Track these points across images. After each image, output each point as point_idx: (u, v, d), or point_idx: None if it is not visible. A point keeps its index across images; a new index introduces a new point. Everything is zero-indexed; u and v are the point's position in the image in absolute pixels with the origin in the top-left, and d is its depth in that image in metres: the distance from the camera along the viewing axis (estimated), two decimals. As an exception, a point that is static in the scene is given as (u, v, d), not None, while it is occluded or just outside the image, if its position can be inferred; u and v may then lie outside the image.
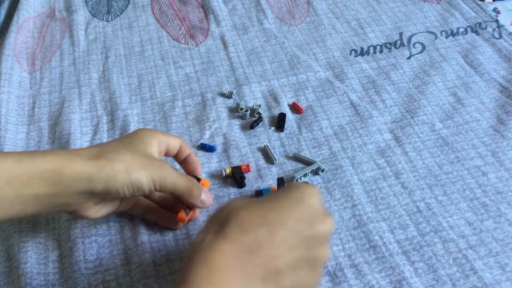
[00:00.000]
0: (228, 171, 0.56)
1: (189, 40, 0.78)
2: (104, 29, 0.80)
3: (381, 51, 0.75)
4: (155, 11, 0.84)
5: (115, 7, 0.85)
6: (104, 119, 0.65)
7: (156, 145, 0.47)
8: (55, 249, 0.51)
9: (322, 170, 0.57)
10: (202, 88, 0.69)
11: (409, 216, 0.53)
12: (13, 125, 0.64)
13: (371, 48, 0.75)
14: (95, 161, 0.41)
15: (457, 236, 0.51)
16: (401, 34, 0.78)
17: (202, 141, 0.61)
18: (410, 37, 0.77)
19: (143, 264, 0.49)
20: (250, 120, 0.64)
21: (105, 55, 0.75)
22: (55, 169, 0.40)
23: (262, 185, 0.56)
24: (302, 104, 0.66)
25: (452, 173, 0.57)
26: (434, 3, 0.84)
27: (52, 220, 0.54)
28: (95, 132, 0.63)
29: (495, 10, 0.84)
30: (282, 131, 0.63)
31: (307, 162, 0.58)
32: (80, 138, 0.62)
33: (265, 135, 0.62)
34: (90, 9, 0.85)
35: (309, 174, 0.57)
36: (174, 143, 0.50)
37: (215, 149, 0.60)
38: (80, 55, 0.75)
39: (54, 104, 0.67)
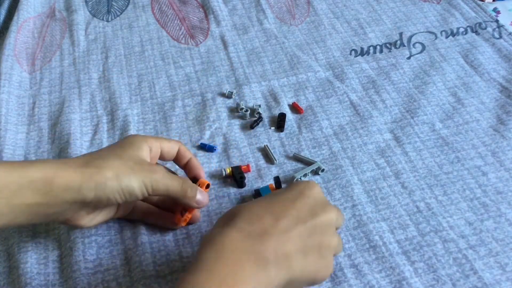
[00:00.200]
0: (228, 171, 0.56)
1: (189, 40, 0.78)
2: (104, 29, 0.80)
3: (381, 51, 0.75)
4: (155, 11, 0.84)
5: (115, 7, 0.85)
6: (104, 119, 0.65)
7: (146, 150, 0.46)
8: (55, 249, 0.51)
9: (322, 170, 0.57)
10: (202, 88, 0.69)
11: (409, 216, 0.53)
12: (13, 125, 0.64)
13: (371, 48, 0.75)
14: (84, 169, 0.41)
15: (457, 236, 0.51)
16: (401, 34, 0.78)
17: (202, 141, 0.61)
18: (410, 37, 0.77)
19: (143, 264, 0.49)
20: (250, 120, 0.64)
21: (105, 55, 0.75)
22: (45, 178, 0.39)
23: (262, 185, 0.56)
24: (302, 104, 0.66)
25: (452, 173, 0.57)
26: (434, 3, 0.84)
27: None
28: (95, 132, 0.63)
29: (495, 10, 0.84)
30: (282, 131, 0.63)
31: (307, 162, 0.58)
32: (80, 138, 0.62)
33: (265, 135, 0.62)
34: (90, 9, 0.85)
35: (309, 174, 0.57)
36: (168, 147, 0.49)
37: (215, 149, 0.60)
38: (80, 55, 0.75)
39: (54, 104, 0.67)
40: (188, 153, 0.51)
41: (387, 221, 0.53)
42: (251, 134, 0.62)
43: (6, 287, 0.48)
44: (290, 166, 0.58)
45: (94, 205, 0.43)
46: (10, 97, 0.67)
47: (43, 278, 0.48)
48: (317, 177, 0.57)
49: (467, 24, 0.79)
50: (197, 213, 0.51)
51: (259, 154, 0.60)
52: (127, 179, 0.42)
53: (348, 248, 0.50)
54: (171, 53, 0.75)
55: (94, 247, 0.50)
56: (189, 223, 0.51)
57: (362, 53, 0.75)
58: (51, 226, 0.53)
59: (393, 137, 0.62)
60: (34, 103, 0.68)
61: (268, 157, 0.59)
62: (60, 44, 0.78)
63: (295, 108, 0.66)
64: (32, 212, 0.40)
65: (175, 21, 0.82)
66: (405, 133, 0.62)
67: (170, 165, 0.56)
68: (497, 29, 0.77)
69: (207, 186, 0.51)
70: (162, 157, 0.50)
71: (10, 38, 0.75)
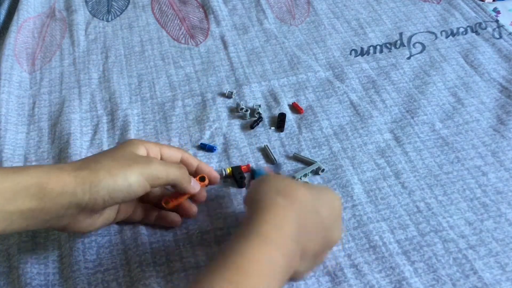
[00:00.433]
0: (228, 171, 0.56)
1: (189, 40, 0.78)
2: (104, 29, 0.80)
3: (381, 51, 0.75)
4: (155, 11, 0.84)
5: (115, 7, 0.85)
6: (104, 119, 0.65)
7: (143, 150, 0.46)
8: (55, 249, 0.51)
9: (322, 170, 0.57)
10: (202, 88, 0.69)
11: (409, 216, 0.53)
12: (13, 125, 0.64)
13: (371, 48, 0.75)
14: (78, 172, 0.40)
15: (457, 236, 0.51)
16: (401, 34, 0.78)
17: (202, 141, 0.61)
18: (410, 37, 0.77)
19: (143, 264, 0.49)
20: (250, 120, 0.64)
21: (105, 55, 0.75)
22: (39, 184, 0.39)
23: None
24: (302, 104, 0.66)
25: (452, 173, 0.57)
26: (434, 3, 0.84)
27: (52, 220, 0.54)
28: (95, 132, 0.63)
29: (495, 10, 0.84)
30: (282, 131, 0.63)
31: (307, 162, 0.58)
32: (80, 138, 0.62)
33: (265, 135, 0.62)
34: (90, 9, 0.85)
35: (309, 174, 0.57)
36: (169, 153, 0.49)
37: (215, 149, 0.60)
38: (80, 55, 0.75)
39: (54, 104, 0.67)
40: (194, 160, 0.51)
41: (387, 221, 0.53)
42: (251, 134, 0.62)
43: (6, 287, 0.48)
44: (290, 166, 0.58)
45: (90, 208, 0.41)
46: (10, 97, 0.67)
47: (43, 278, 0.48)
48: (317, 177, 0.57)
49: (467, 24, 0.79)
50: (193, 208, 0.51)
51: (259, 154, 0.60)
52: (122, 176, 0.41)
53: (348, 248, 0.50)
54: (171, 53, 0.75)
55: (94, 247, 0.50)
56: (186, 216, 0.51)
57: (362, 53, 0.75)
58: (51, 226, 0.53)
59: (393, 137, 0.62)
60: (34, 103, 0.68)
61: (268, 157, 0.59)
62: (60, 44, 0.78)
63: (295, 108, 0.66)
64: (27, 218, 0.39)
65: (175, 21, 0.82)
66: (405, 133, 0.62)
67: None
68: (497, 29, 0.77)
69: (201, 179, 0.51)
70: None
71: (10, 38, 0.75)
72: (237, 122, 0.64)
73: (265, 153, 0.60)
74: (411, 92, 0.68)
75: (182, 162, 0.50)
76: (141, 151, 0.46)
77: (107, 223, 0.47)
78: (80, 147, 0.60)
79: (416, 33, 0.78)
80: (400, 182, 0.56)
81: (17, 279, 0.48)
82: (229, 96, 0.67)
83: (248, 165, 0.58)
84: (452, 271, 0.48)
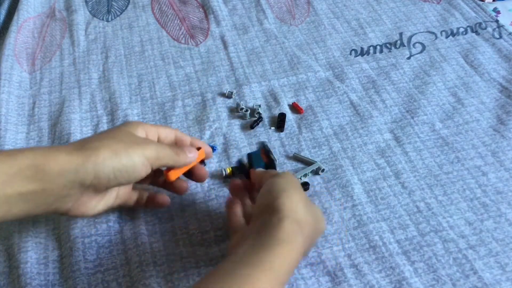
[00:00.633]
0: (228, 171, 0.56)
1: (189, 40, 0.78)
2: (104, 29, 0.80)
3: (381, 51, 0.75)
4: (155, 11, 0.84)
5: (115, 7, 0.85)
6: (104, 119, 0.65)
7: (142, 132, 0.46)
8: (55, 249, 0.51)
9: (322, 170, 0.57)
10: (202, 88, 0.69)
11: (409, 216, 0.53)
12: (13, 125, 0.64)
13: (371, 48, 0.75)
14: (79, 152, 0.40)
15: (457, 236, 0.51)
16: (401, 34, 0.78)
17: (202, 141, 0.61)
18: (410, 37, 0.77)
19: (143, 264, 0.49)
20: (250, 120, 0.64)
21: (105, 55, 0.75)
22: (35, 165, 0.38)
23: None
24: (302, 104, 0.66)
25: (452, 173, 0.57)
26: (434, 3, 0.84)
27: (52, 220, 0.54)
28: (95, 132, 0.63)
29: (495, 10, 0.84)
30: (282, 131, 0.63)
31: (307, 162, 0.58)
32: (80, 138, 0.62)
33: (265, 135, 0.62)
34: (90, 9, 0.85)
35: (309, 174, 0.57)
36: (165, 133, 0.49)
37: (215, 149, 0.60)
38: (80, 55, 0.75)
39: (54, 104, 0.67)
40: (187, 137, 0.51)
41: (387, 221, 0.53)
42: (251, 134, 0.62)
43: (6, 287, 0.48)
44: (290, 166, 0.58)
45: (94, 188, 0.41)
46: (10, 97, 0.67)
47: (43, 278, 0.48)
48: (317, 177, 0.57)
49: (467, 24, 0.79)
50: (203, 171, 0.51)
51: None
52: (126, 156, 0.41)
53: (348, 248, 0.50)
54: (171, 53, 0.75)
55: (94, 247, 0.50)
56: (197, 180, 0.51)
57: (362, 53, 0.75)
58: (51, 226, 0.53)
59: (393, 137, 0.62)
60: (34, 103, 0.68)
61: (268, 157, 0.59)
62: (60, 44, 0.78)
63: (295, 108, 0.66)
64: (27, 201, 0.39)
65: (175, 21, 0.82)
66: (405, 133, 0.62)
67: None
68: (497, 29, 0.77)
69: (202, 162, 0.51)
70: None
71: (10, 38, 0.75)
72: (237, 122, 0.64)
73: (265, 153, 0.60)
74: (411, 92, 0.68)
75: (176, 140, 0.50)
76: (140, 132, 0.46)
77: (108, 208, 0.47)
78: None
79: (416, 33, 0.78)
80: (400, 182, 0.56)
81: (17, 279, 0.48)
82: (229, 96, 0.67)
83: (248, 165, 0.58)
84: (452, 271, 0.48)
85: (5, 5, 0.86)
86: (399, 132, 0.62)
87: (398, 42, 0.76)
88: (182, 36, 0.79)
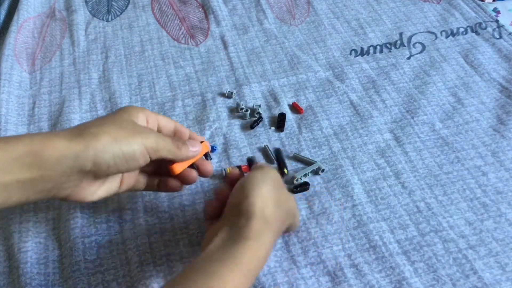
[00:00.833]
0: (228, 171, 0.56)
1: (189, 40, 0.78)
2: (104, 29, 0.80)
3: (381, 51, 0.75)
4: (155, 11, 0.84)
5: (115, 7, 0.85)
6: (104, 119, 0.65)
7: (143, 119, 0.45)
8: (55, 249, 0.51)
9: (323, 170, 0.57)
10: (202, 88, 0.69)
11: (409, 216, 0.53)
12: (13, 125, 0.64)
13: (371, 48, 0.75)
14: (78, 138, 0.39)
15: (457, 236, 0.51)
16: (401, 34, 0.78)
17: (202, 141, 0.61)
18: (410, 37, 0.77)
19: (143, 264, 0.49)
20: (250, 120, 0.64)
21: (105, 55, 0.75)
22: (33, 152, 0.37)
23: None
24: (302, 104, 0.66)
25: (452, 173, 0.57)
26: (434, 3, 0.84)
27: (52, 220, 0.54)
28: (95, 132, 0.63)
29: (495, 10, 0.84)
30: (282, 131, 0.63)
31: (307, 162, 0.58)
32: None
33: (265, 135, 0.62)
34: (90, 9, 0.85)
35: (309, 174, 0.57)
36: (165, 122, 0.48)
37: (215, 149, 0.60)
38: (80, 55, 0.75)
39: (54, 104, 0.67)
40: (186, 130, 0.50)
41: (387, 221, 0.53)
42: (251, 134, 0.62)
43: (6, 287, 0.48)
44: (290, 166, 0.58)
45: (93, 174, 0.41)
46: (10, 97, 0.67)
47: (43, 278, 0.48)
48: (317, 177, 0.57)
49: (467, 24, 0.79)
50: (208, 166, 0.50)
51: (259, 154, 0.60)
52: (127, 144, 0.40)
53: (348, 248, 0.50)
54: (171, 53, 0.75)
55: (94, 247, 0.50)
56: (185, 183, 0.50)
57: (362, 53, 0.75)
58: (51, 226, 0.53)
59: (393, 137, 0.62)
60: (34, 103, 0.68)
61: (268, 157, 0.59)
62: (60, 44, 0.78)
63: (295, 108, 0.66)
64: (26, 188, 0.38)
65: (175, 21, 0.82)
66: (405, 133, 0.62)
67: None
68: (497, 29, 0.77)
69: (206, 156, 0.50)
70: (159, 131, 0.48)
71: (10, 38, 0.75)
72: (237, 122, 0.64)
73: (265, 153, 0.60)
74: (411, 92, 0.68)
75: (175, 131, 0.49)
76: (141, 119, 0.45)
77: (110, 193, 0.46)
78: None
79: (416, 33, 0.78)
80: (400, 182, 0.56)
81: (17, 279, 0.48)
82: (229, 96, 0.67)
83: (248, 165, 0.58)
84: (452, 271, 0.48)
85: (5, 5, 0.86)
86: (399, 132, 0.62)
87: (398, 42, 0.76)
88: (182, 36, 0.79)
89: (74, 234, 0.51)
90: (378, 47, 0.75)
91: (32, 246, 0.51)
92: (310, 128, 0.63)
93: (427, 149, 0.60)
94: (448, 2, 0.83)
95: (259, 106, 0.65)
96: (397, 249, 0.50)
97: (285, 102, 0.66)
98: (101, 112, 0.66)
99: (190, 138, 0.50)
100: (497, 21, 0.79)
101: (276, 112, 0.65)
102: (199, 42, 0.78)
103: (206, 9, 0.84)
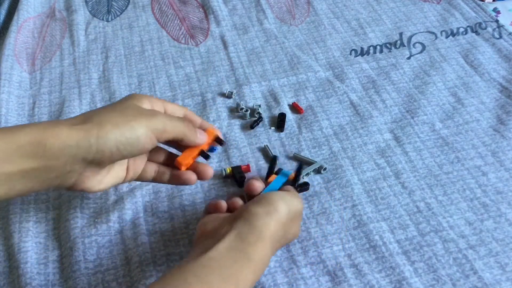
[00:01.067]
0: (228, 171, 0.56)
1: (189, 40, 0.78)
2: (104, 29, 0.80)
3: (381, 51, 0.75)
4: (155, 11, 0.84)
5: (115, 7, 0.85)
6: (104, 119, 0.65)
7: (147, 104, 0.44)
8: (55, 249, 0.51)
9: (325, 169, 0.57)
10: (202, 88, 0.69)
11: (409, 216, 0.53)
12: (13, 125, 0.64)
13: (371, 48, 0.75)
14: (80, 126, 0.39)
15: (457, 236, 0.51)
16: (401, 34, 0.78)
17: (202, 141, 0.61)
18: (410, 37, 0.77)
19: (143, 264, 0.49)
20: (250, 120, 0.64)
21: (105, 55, 0.75)
22: (36, 141, 0.37)
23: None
24: (302, 104, 0.66)
25: (452, 173, 0.57)
26: (434, 3, 0.84)
27: (52, 220, 0.54)
28: (95, 132, 0.63)
29: (495, 10, 0.84)
30: (282, 131, 0.63)
31: (307, 162, 0.58)
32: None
33: (265, 135, 0.62)
34: (90, 9, 0.85)
35: (311, 173, 0.57)
36: (173, 109, 0.47)
37: (215, 149, 0.60)
38: (80, 55, 0.75)
39: (54, 104, 0.67)
40: (197, 117, 0.49)
41: (387, 221, 0.53)
42: (251, 134, 0.62)
43: (6, 287, 0.48)
44: (290, 166, 0.58)
45: (97, 162, 0.40)
46: (10, 97, 0.67)
47: (43, 278, 0.48)
48: (317, 177, 0.57)
49: (467, 24, 0.79)
50: (209, 169, 0.48)
51: (259, 154, 0.60)
52: (129, 128, 0.39)
53: (348, 248, 0.50)
54: (171, 53, 0.75)
55: (94, 247, 0.50)
56: (200, 178, 0.48)
57: (362, 53, 0.75)
58: (51, 226, 0.53)
59: (393, 137, 0.62)
60: (34, 103, 0.68)
61: (268, 157, 0.59)
62: (60, 44, 0.78)
63: (295, 108, 0.66)
64: (30, 178, 0.38)
65: (175, 21, 0.82)
66: (405, 133, 0.62)
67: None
68: (497, 29, 0.77)
69: (218, 140, 0.49)
70: None
71: (10, 38, 0.75)
72: (237, 122, 0.64)
73: (265, 153, 0.60)
74: (411, 92, 0.68)
75: (186, 119, 0.48)
76: (145, 104, 0.44)
77: (117, 182, 0.45)
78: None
79: (416, 33, 0.78)
80: (400, 182, 0.56)
81: (17, 279, 0.48)
82: (229, 96, 0.67)
83: (248, 165, 0.58)
84: (452, 271, 0.48)
85: (5, 5, 0.86)
86: (399, 132, 0.62)
87: (398, 42, 0.76)
88: (182, 36, 0.79)
89: (74, 234, 0.51)
90: (378, 47, 0.75)
91: (32, 246, 0.51)
92: (310, 128, 0.63)
93: (427, 149, 0.60)
94: (448, 2, 0.83)
95: (259, 106, 0.65)
96: (397, 249, 0.50)
97: (285, 102, 0.66)
98: (101, 112, 0.66)
99: (201, 126, 0.49)
100: (497, 21, 0.79)
101: (276, 112, 0.65)
102: (199, 42, 0.78)
103: (206, 9, 0.84)
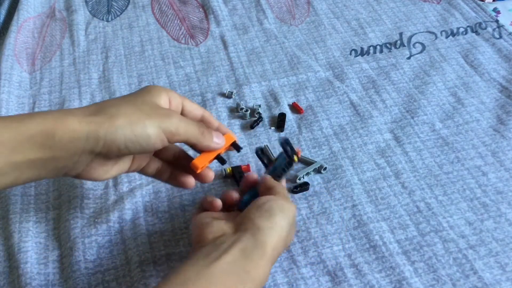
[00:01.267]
0: (228, 171, 0.56)
1: (189, 40, 0.78)
2: (104, 29, 0.80)
3: (381, 51, 0.75)
4: (155, 11, 0.84)
5: (115, 7, 0.85)
6: (104, 119, 0.65)
7: (165, 99, 0.43)
8: (55, 249, 0.51)
9: (325, 169, 0.57)
10: (202, 88, 0.69)
11: (409, 216, 0.53)
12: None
13: (371, 48, 0.75)
14: (92, 118, 0.38)
15: (457, 236, 0.51)
16: (401, 34, 0.78)
17: (202, 141, 0.61)
18: (410, 37, 0.77)
19: (143, 264, 0.49)
20: (250, 120, 0.64)
21: (105, 55, 0.75)
22: (46, 132, 0.37)
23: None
24: (302, 104, 0.66)
25: (452, 173, 0.57)
26: (434, 3, 0.84)
27: (52, 220, 0.54)
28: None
29: (495, 10, 0.84)
30: (282, 131, 0.63)
31: (308, 162, 0.58)
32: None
33: (265, 135, 0.62)
34: (90, 9, 0.85)
35: (312, 173, 0.57)
36: (192, 107, 0.46)
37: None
38: (80, 55, 0.75)
39: (54, 104, 0.67)
40: (215, 121, 0.48)
41: (387, 221, 0.53)
42: (251, 134, 0.63)
43: (6, 287, 0.48)
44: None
45: (104, 155, 0.39)
46: (10, 97, 0.67)
47: (43, 278, 0.48)
48: (317, 177, 0.57)
49: (467, 24, 0.79)
50: (210, 172, 0.47)
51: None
52: (141, 126, 0.39)
53: (348, 248, 0.50)
54: (171, 53, 0.75)
55: (94, 247, 0.50)
56: (201, 181, 0.48)
57: (362, 53, 0.75)
58: (51, 226, 0.53)
59: (393, 137, 0.62)
60: (34, 103, 0.68)
61: (268, 157, 0.59)
62: (60, 44, 0.78)
63: (295, 108, 0.66)
64: (37, 168, 0.38)
65: (175, 21, 0.82)
66: (405, 133, 0.62)
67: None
68: (497, 29, 0.77)
69: (235, 146, 0.48)
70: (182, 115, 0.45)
71: (10, 38, 0.75)
72: (237, 122, 0.64)
73: (265, 153, 0.60)
74: (411, 92, 0.68)
75: (203, 120, 0.47)
76: (163, 100, 0.43)
77: (121, 172, 0.45)
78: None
79: (416, 33, 0.78)
80: (400, 182, 0.56)
81: (17, 279, 0.48)
82: (229, 96, 0.67)
83: (248, 165, 0.58)
84: (452, 271, 0.48)
85: (5, 5, 0.86)
86: (399, 132, 0.62)
87: (398, 42, 0.76)
88: (182, 36, 0.79)
89: (74, 234, 0.51)
90: (378, 47, 0.75)
91: (32, 246, 0.51)
92: (310, 128, 0.63)
93: (427, 149, 0.60)
94: (448, 2, 0.83)
95: (259, 106, 0.65)
96: (397, 249, 0.50)
97: (285, 102, 0.66)
98: (101, 112, 0.66)
99: (218, 130, 0.48)
100: (497, 21, 0.79)
101: (276, 112, 0.65)
102: (199, 42, 0.78)
103: (206, 9, 0.84)
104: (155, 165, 0.48)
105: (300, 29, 0.79)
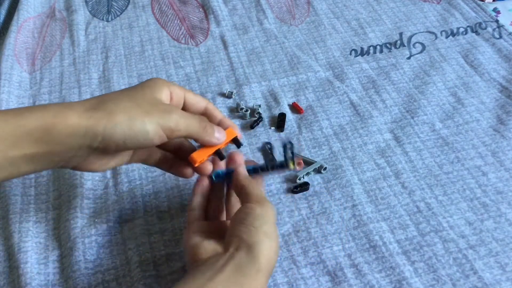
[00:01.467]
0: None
1: (189, 40, 0.78)
2: (104, 29, 0.80)
3: (381, 51, 0.75)
4: (155, 11, 0.84)
5: (115, 7, 0.85)
6: (104, 119, 0.65)
7: (166, 93, 0.42)
8: (55, 249, 0.51)
9: (325, 169, 0.57)
10: (202, 88, 0.69)
11: (409, 216, 0.53)
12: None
13: (371, 48, 0.75)
14: (91, 113, 0.38)
15: (457, 236, 0.51)
16: (401, 34, 0.78)
17: (202, 141, 0.61)
18: (410, 37, 0.77)
19: (143, 264, 0.49)
20: (250, 120, 0.64)
21: (105, 55, 0.75)
22: (44, 127, 0.36)
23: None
24: (302, 104, 0.66)
25: (452, 173, 0.57)
26: (434, 3, 0.84)
27: (52, 220, 0.54)
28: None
29: (495, 10, 0.84)
30: (282, 131, 0.63)
31: (307, 162, 0.58)
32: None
33: (265, 135, 0.62)
34: (90, 9, 0.85)
35: (312, 173, 0.57)
36: (194, 100, 0.45)
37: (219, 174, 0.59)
38: (80, 55, 0.75)
39: (54, 104, 0.67)
40: (218, 113, 0.47)
41: (387, 221, 0.53)
42: (251, 134, 0.62)
43: (6, 287, 0.48)
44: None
45: (101, 150, 0.39)
46: (10, 97, 0.67)
47: (43, 278, 0.48)
48: (317, 177, 0.57)
49: (467, 24, 0.79)
50: (208, 164, 0.47)
51: (259, 154, 0.60)
52: (140, 123, 0.38)
53: (348, 248, 0.50)
54: (171, 53, 0.75)
55: (94, 247, 0.50)
56: (199, 173, 0.47)
57: (362, 53, 0.75)
58: (51, 226, 0.53)
59: (393, 137, 0.62)
60: (34, 103, 0.68)
61: (268, 157, 0.59)
62: (60, 44, 0.78)
63: (295, 108, 0.66)
64: (34, 162, 0.38)
65: (175, 21, 0.82)
66: (405, 133, 0.62)
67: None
68: (497, 29, 0.77)
69: (236, 142, 0.47)
70: (185, 109, 0.45)
71: (10, 38, 0.75)
72: (237, 122, 0.64)
73: (265, 153, 0.60)
74: (411, 92, 0.68)
75: (206, 113, 0.46)
76: (165, 94, 0.42)
77: (120, 164, 0.45)
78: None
79: (416, 33, 0.78)
80: (400, 182, 0.56)
81: (17, 279, 0.48)
82: (229, 96, 0.67)
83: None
84: (452, 271, 0.48)
85: (5, 5, 0.86)
86: (399, 132, 0.62)
87: (398, 42, 0.76)
88: (182, 36, 0.79)
89: (74, 234, 0.51)
90: (378, 47, 0.75)
91: (32, 246, 0.51)
92: (310, 128, 0.63)
93: (427, 149, 0.60)
94: (448, 2, 0.83)
95: (259, 106, 0.65)
96: (397, 249, 0.50)
97: (285, 102, 0.66)
98: (101, 112, 0.66)
99: (220, 123, 0.47)
100: (497, 21, 0.79)
101: (276, 112, 0.65)
102: (199, 42, 0.78)
103: (206, 9, 0.84)
104: (157, 155, 0.48)
105: (300, 29, 0.79)
